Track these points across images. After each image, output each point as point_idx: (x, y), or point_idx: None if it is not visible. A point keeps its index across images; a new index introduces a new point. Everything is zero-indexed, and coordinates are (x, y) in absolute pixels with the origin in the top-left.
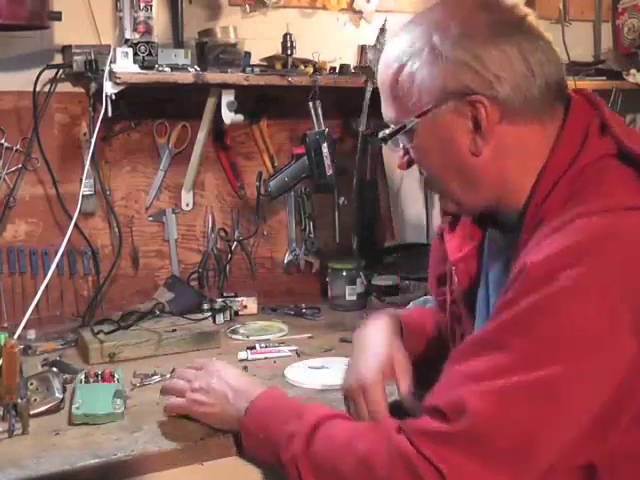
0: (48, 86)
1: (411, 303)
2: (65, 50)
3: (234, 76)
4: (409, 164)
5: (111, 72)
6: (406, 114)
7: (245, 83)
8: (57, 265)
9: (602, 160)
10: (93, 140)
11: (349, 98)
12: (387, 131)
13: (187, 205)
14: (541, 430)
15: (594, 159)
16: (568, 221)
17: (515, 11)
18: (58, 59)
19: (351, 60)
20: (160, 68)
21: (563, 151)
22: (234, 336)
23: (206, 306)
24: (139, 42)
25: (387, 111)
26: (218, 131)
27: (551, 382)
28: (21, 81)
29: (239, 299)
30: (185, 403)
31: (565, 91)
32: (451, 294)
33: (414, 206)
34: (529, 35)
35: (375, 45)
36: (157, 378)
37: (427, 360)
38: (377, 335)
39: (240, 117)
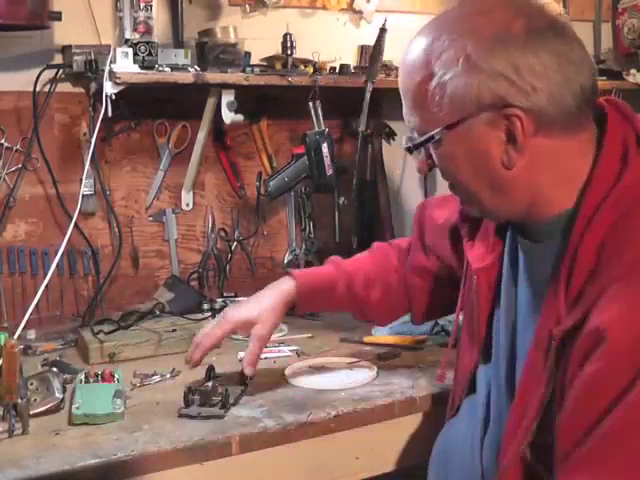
0: (48, 86)
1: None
2: (65, 50)
3: (234, 76)
4: (430, 168)
5: (111, 72)
6: (434, 124)
7: (245, 83)
8: (57, 265)
9: None
10: (93, 140)
11: (349, 98)
12: (412, 141)
13: (187, 205)
14: None
15: (637, 178)
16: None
17: (547, 10)
18: (58, 59)
19: (351, 60)
20: (160, 68)
21: (605, 169)
22: (234, 336)
23: (206, 306)
24: (139, 42)
25: (411, 118)
26: (218, 131)
27: None
28: (21, 81)
29: (239, 299)
30: None
31: (596, 95)
32: (464, 298)
33: (414, 206)
34: (563, 37)
35: (378, 45)
36: (157, 378)
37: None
38: (263, 298)
39: (240, 117)
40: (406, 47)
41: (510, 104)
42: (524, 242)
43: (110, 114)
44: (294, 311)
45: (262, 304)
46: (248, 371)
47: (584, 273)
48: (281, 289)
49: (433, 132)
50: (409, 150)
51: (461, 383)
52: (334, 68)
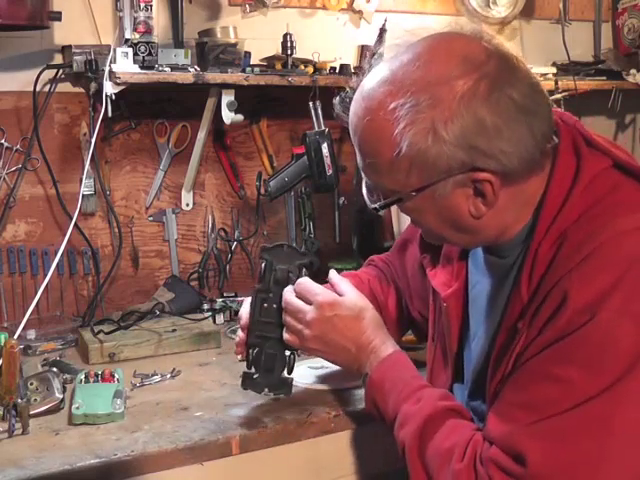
0: (48, 86)
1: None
2: (65, 50)
3: (234, 76)
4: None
5: (111, 72)
6: (401, 187)
7: (245, 83)
8: (57, 265)
9: (605, 172)
10: (93, 140)
11: None
12: (377, 202)
13: (187, 205)
14: (603, 461)
15: (596, 172)
16: (602, 243)
17: (503, 56)
18: (58, 59)
19: (351, 60)
20: (160, 68)
21: (562, 169)
22: (234, 336)
23: (206, 306)
24: (139, 42)
25: (372, 178)
26: (218, 131)
27: (602, 408)
28: (21, 81)
29: (239, 299)
30: (301, 347)
31: (553, 129)
32: (435, 323)
33: None
34: (522, 85)
35: (375, 49)
36: (157, 378)
37: None
38: None
39: (240, 117)
40: (356, 102)
41: (480, 168)
42: (491, 258)
43: (110, 114)
44: None
45: None
46: (332, 275)
47: (543, 264)
48: None
49: (399, 195)
50: (376, 210)
51: None
52: (334, 68)
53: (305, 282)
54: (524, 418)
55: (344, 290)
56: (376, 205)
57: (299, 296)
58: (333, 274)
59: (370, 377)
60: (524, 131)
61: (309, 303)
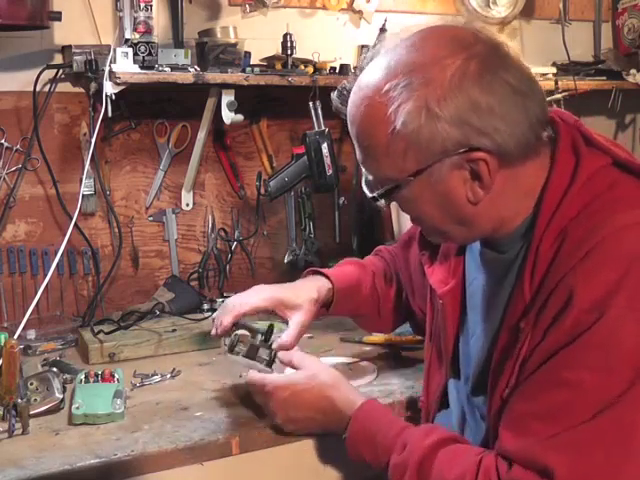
0: (48, 86)
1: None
2: (65, 50)
3: (234, 76)
4: (389, 204)
5: (111, 72)
6: (397, 172)
7: (245, 83)
8: (57, 265)
9: (603, 170)
10: (93, 140)
11: None
12: (375, 190)
13: (187, 205)
14: (627, 466)
15: (595, 169)
16: (603, 239)
17: (494, 44)
18: (58, 59)
19: (351, 60)
20: (160, 68)
21: (561, 167)
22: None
23: (206, 306)
24: (139, 42)
25: (370, 167)
26: (218, 131)
27: (623, 415)
28: (21, 81)
29: None
30: (285, 431)
31: (547, 116)
32: (432, 320)
33: None
34: (514, 70)
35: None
36: (157, 378)
37: (361, 315)
38: (301, 289)
39: (240, 117)
40: (354, 94)
41: (475, 147)
42: (490, 253)
43: (110, 114)
44: (327, 312)
45: (303, 294)
46: (282, 356)
47: (545, 262)
48: (319, 286)
49: (397, 182)
50: (374, 199)
51: (432, 401)
52: (334, 68)
53: (251, 378)
54: (542, 430)
55: (298, 364)
56: (374, 194)
57: (253, 392)
58: (283, 355)
59: (347, 438)
60: (518, 111)
61: (265, 394)
